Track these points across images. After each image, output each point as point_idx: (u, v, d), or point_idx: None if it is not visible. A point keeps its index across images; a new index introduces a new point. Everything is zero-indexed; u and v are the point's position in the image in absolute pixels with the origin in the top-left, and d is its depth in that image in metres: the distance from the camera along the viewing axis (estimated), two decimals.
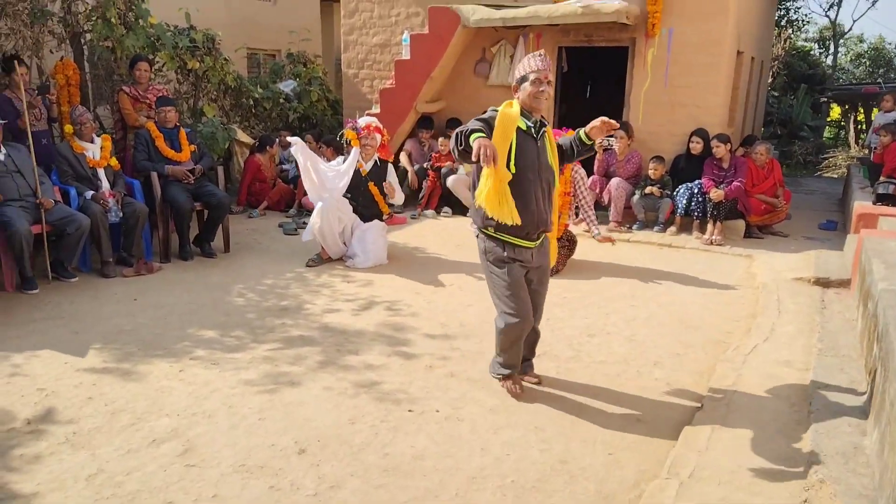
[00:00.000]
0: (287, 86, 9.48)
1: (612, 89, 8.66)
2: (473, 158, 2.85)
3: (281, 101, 9.20)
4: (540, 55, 3.15)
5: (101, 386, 3.44)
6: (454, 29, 7.74)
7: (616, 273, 5.60)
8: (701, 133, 7.03)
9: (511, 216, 3.06)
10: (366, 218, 5.78)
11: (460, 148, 2.99)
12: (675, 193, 6.98)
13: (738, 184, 6.60)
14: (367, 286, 5.19)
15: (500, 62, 8.14)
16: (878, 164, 7.55)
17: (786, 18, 18.91)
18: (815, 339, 4.04)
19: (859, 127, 15.40)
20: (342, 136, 5.90)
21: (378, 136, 5.80)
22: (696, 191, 6.78)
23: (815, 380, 3.41)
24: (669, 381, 3.61)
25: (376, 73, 9.03)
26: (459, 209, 7.62)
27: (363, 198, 5.77)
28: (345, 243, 5.78)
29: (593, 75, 10.95)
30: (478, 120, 3.04)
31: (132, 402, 3.28)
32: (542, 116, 3.23)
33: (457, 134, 3.00)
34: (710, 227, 6.65)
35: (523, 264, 3.23)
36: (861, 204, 6.61)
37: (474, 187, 3.19)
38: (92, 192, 5.34)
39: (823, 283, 5.15)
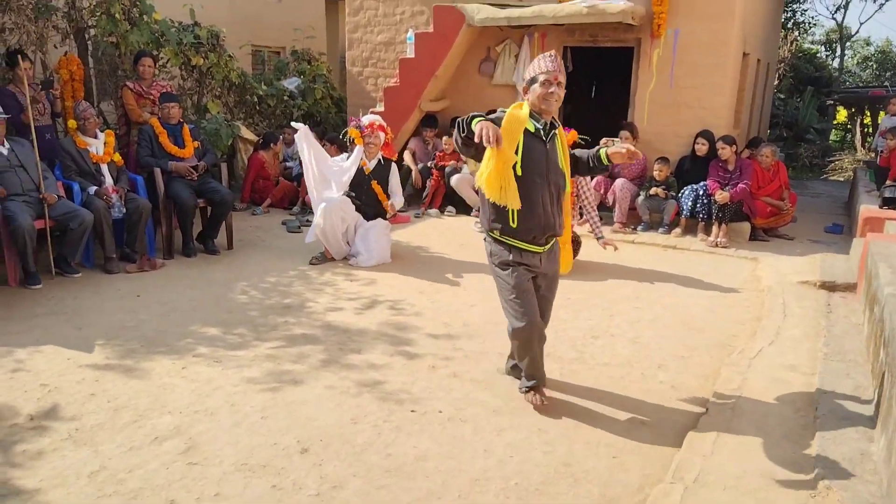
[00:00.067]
0: (291, 83, 9.47)
1: (618, 90, 8.60)
2: (476, 140, 2.78)
3: (285, 98, 9.19)
4: (550, 56, 3.07)
5: (104, 382, 3.43)
6: (459, 28, 7.72)
7: (620, 274, 5.57)
8: (706, 134, 7.00)
9: (513, 201, 2.98)
10: (369, 216, 5.76)
11: (462, 135, 2.92)
12: (680, 195, 6.95)
13: (744, 186, 6.57)
14: (371, 285, 5.17)
15: (505, 61, 8.12)
16: (884, 167, 7.54)
17: (792, 21, 18.88)
18: (821, 343, 4.02)
19: (865, 130, 15.34)
20: (346, 134, 5.89)
21: (382, 135, 5.78)
22: (701, 192, 6.75)
23: (820, 385, 3.39)
24: (674, 385, 3.59)
25: (381, 71, 9.01)
26: (463, 208, 7.57)
27: (366, 196, 5.76)
28: (348, 243, 5.76)
29: (598, 76, 10.94)
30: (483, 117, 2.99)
31: (134, 398, 3.27)
32: (553, 118, 3.14)
33: (458, 122, 2.95)
34: (715, 229, 6.62)
35: (530, 269, 3.15)
36: (867, 207, 6.59)
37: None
38: (95, 188, 5.34)
39: (829, 286, 5.12)
